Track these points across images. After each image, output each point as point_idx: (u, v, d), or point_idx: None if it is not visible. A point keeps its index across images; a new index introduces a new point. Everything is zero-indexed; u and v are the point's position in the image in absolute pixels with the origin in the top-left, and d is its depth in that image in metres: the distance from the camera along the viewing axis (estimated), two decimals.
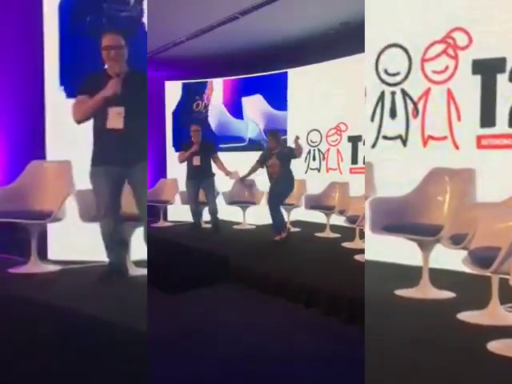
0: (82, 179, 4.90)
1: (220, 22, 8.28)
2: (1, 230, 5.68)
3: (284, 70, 9.81)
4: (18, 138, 5.88)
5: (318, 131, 9.29)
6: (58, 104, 5.44)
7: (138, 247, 4.79)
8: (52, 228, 5.41)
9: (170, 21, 8.17)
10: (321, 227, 7.62)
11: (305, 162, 9.45)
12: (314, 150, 9.38)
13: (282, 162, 6.64)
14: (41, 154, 5.47)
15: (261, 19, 8.02)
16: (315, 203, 7.66)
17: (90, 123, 4.41)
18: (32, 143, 5.64)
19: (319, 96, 9.15)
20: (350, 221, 5.96)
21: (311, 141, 9.40)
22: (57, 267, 5.01)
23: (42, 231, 5.17)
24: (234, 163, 7.89)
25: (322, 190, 7.92)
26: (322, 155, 9.28)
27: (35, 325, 3.36)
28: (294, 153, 6.58)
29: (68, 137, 5.24)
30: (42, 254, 5.22)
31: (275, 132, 7.07)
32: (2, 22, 5.75)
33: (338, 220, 7.10)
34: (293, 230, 7.86)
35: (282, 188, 6.72)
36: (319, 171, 9.31)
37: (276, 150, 6.72)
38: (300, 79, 9.64)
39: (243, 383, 2.79)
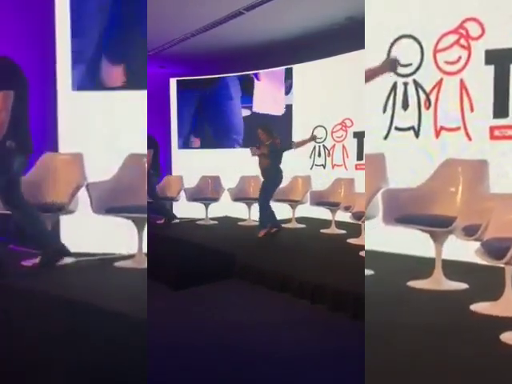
0: (94, 171, 4.94)
1: (225, 17, 8.26)
2: (14, 222, 5.73)
3: (289, 66, 9.79)
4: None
5: (324, 127, 9.27)
6: (70, 97, 5.46)
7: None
8: (64, 220, 5.43)
9: (174, 17, 8.18)
10: (326, 223, 7.59)
11: (310, 158, 9.47)
12: (320, 146, 9.37)
13: (270, 157, 6.64)
14: (53, 147, 5.50)
15: (266, 15, 8.02)
16: (320, 199, 7.62)
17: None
18: (44, 135, 5.65)
19: (324, 92, 9.16)
20: (356, 217, 5.92)
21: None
22: (69, 259, 5.03)
23: (55, 223, 5.19)
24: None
25: (328, 186, 7.89)
26: (327, 151, 9.26)
27: (47, 316, 3.38)
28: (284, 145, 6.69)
29: (80, 129, 5.26)
30: None
31: (266, 126, 7.03)
32: (15, 12, 5.76)
33: (343, 216, 7.06)
34: (298, 226, 7.86)
35: (268, 183, 6.78)
36: (324, 167, 9.29)
37: (266, 143, 6.71)
38: (305, 75, 9.64)
39: (246, 378, 2.77)
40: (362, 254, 5.36)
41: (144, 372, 2.51)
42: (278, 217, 6.86)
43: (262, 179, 7.31)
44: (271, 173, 6.75)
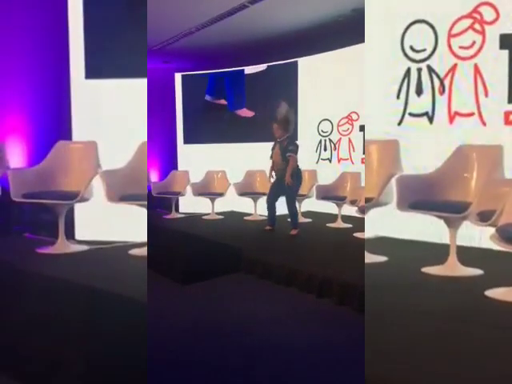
0: (108, 159, 4.95)
1: (229, 11, 8.20)
2: (29, 210, 5.78)
3: (294, 59, 9.76)
4: (44, 119, 5.92)
5: (329, 121, 9.23)
6: (83, 85, 5.48)
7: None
8: (79, 208, 5.46)
9: (178, 12, 8.14)
10: (332, 218, 7.54)
11: (316, 152, 9.43)
12: (325, 140, 9.33)
13: (285, 155, 6.23)
14: (67, 135, 5.52)
15: (270, 8, 7.98)
16: (326, 194, 7.56)
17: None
18: (58, 124, 5.68)
19: (330, 85, 9.13)
20: (362, 211, 5.88)
21: (322, 131, 9.35)
22: (84, 247, 5.05)
23: (69, 212, 5.22)
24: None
25: (334, 180, 7.83)
26: (333, 145, 9.22)
27: (61, 302, 3.41)
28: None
29: (94, 117, 5.28)
30: (69, 234, 5.26)
31: (284, 119, 6.33)
32: (28, 3, 5.79)
33: (349, 210, 7.01)
34: (304, 220, 7.78)
35: (291, 188, 6.34)
36: (330, 161, 9.25)
37: (280, 139, 6.33)
38: (311, 68, 9.60)
39: (251, 372, 2.73)
40: None
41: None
42: (284, 211, 6.76)
43: (267, 174, 6.98)
44: (292, 176, 6.22)
